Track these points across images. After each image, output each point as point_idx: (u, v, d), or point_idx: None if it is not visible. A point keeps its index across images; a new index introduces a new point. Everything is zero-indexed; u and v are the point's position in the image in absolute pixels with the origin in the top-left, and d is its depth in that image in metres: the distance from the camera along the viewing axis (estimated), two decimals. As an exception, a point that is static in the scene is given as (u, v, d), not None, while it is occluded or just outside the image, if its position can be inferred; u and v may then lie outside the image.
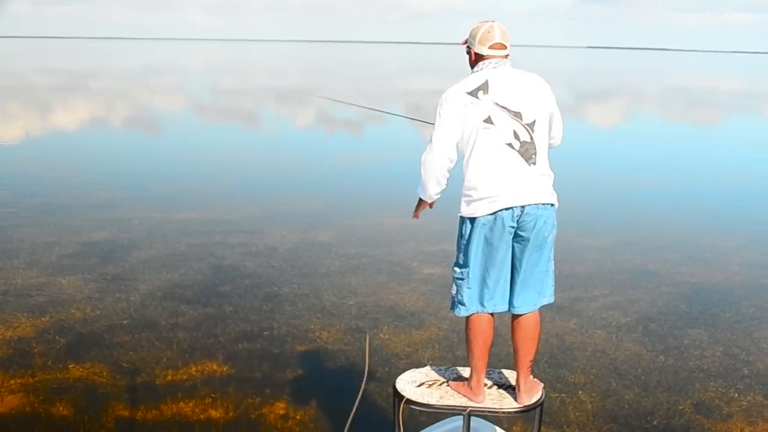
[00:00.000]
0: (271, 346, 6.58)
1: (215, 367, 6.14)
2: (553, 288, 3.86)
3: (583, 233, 10.41)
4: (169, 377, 5.94)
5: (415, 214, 4.10)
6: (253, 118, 29.03)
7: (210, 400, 5.57)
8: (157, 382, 5.86)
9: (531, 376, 3.83)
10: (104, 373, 5.97)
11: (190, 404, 5.50)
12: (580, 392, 5.78)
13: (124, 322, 7.05)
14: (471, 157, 3.65)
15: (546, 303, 3.84)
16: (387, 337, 6.78)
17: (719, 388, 5.91)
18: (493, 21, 3.81)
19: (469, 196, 3.66)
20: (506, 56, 3.77)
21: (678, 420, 5.44)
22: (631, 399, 5.70)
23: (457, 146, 3.71)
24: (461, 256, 3.76)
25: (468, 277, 3.72)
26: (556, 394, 5.71)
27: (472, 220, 3.66)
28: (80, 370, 6.03)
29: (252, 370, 6.10)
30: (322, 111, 31.91)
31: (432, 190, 3.85)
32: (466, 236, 3.70)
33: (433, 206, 4.04)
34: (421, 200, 4.00)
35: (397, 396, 3.83)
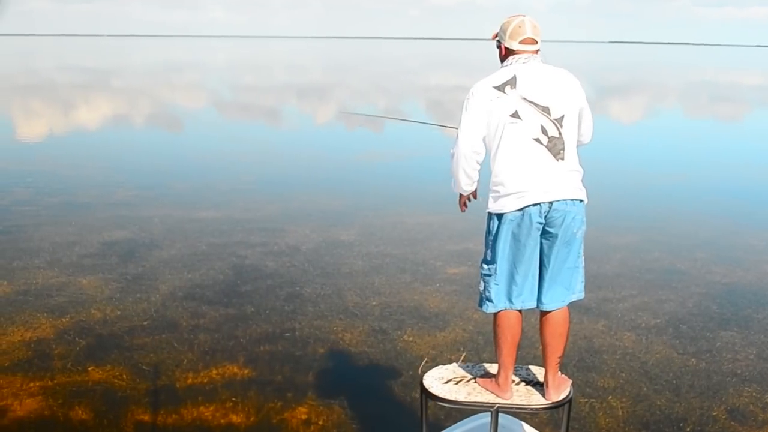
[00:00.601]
0: (293, 348, 6.46)
1: (236, 369, 6.03)
2: (582, 284, 3.78)
3: (609, 231, 10.22)
4: (190, 380, 5.85)
5: (462, 208, 4.02)
6: (273, 115, 28.96)
7: (231, 404, 5.47)
8: (178, 386, 5.76)
9: (559, 373, 3.77)
10: (124, 376, 5.89)
11: (211, 408, 5.41)
12: (610, 397, 5.62)
13: (145, 323, 6.96)
14: (498, 153, 3.59)
15: (575, 299, 3.77)
16: (411, 339, 6.65)
17: (754, 393, 5.73)
18: (524, 15, 3.75)
19: (497, 191, 3.59)
20: (537, 51, 3.71)
21: (711, 427, 5.28)
22: (662, 404, 5.54)
23: (484, 141, 3.65)
24: (489, 252, 3.70)
25: (496, 273, 3.66)
26: (586, 399, 5.56)
27: (500, 216, 3.60)
28: (100, 372, 5.95)
29: (273, 373, 5.99)
30: (342, 108, 31.83)
31: (463, 183, 3.77)
32: (494, 232, 3.64)
33: (476, 196, 3.91)
34: (461, 194, 3.93)
35: (424, 393, 3.79)
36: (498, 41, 3.77)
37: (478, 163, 3.70)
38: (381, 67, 75.57)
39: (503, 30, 3.73)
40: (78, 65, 73.44)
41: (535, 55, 3.69)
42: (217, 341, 6.57)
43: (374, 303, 7.52)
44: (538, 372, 3.93)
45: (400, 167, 16.14)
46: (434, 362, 5.83)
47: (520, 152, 3.55)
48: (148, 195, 12.61)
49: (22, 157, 17.02)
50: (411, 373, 5.91)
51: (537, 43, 3.70)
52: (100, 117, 26.89)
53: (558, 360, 3.73)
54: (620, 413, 5.40)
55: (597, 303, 7.57)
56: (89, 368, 6.02)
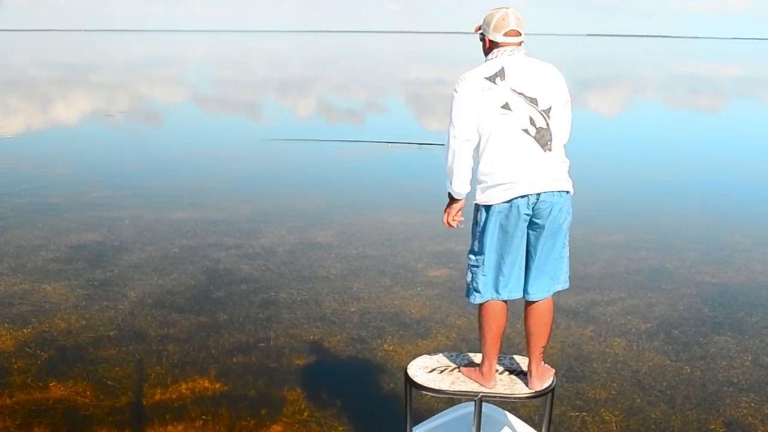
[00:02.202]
0: (267, 359, 6.12)
1: (207, 384, 5.68)
2: (567, 274, 3.81)
3: (595, 230, 9.95)
4: (157, 396, 5.49)
5: (448, 219, 3.87)
6: (251, 111, 28.47)
7: (201, 422, 5.12)
8: (144, 402, 5.41)
9: (543, 362, 3.82)
10: (87, 393, 5.52)
11: (179, 428, 5.05)
12: (602, 410, 5.32)
13: (111, 333, 6.60)
14: (488, 144, 3.58)
15: (560, 289, 3.79)
16: (391, 348, 6.32)
17: (752, 404, 5.46)
18: (507, 7, 3.73)
19: (484, 182, 3.59)
20: (520, 43, 3.71)
21: (710, 441, 5.00)
22: (657, 417, 5.25)
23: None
24: (476, 243, 3.71)
25: (483, 264, 3.68)
26: (577, 413, 5.27)
27: (488, 207, 3.61)
28: (62, 389, 5.58)
29: (246, 387, 5.65)
30: (321, 102, 31.49)
31: (459, 178, 3.70)
32: (482, 224, 3.65)
33: (464, 204, 3.84)
34: (451, 200, 3.84)
35: (409, 382, 3.82)
36: (482, 34, 3.76)
37: (471, 155, 3.66)
38: (360, 62, 75.13)
39: (486, 22, 3.73)
40: (54, 61, 72.51)
41: (519, 47, 3.69)
42: (187, 353, 6.21)
43: (353, 309, 7.19)
44: (522, 361, 3.97)
45: (381, 163, 15.80)
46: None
47: (509, 143, 3.54)
48: (120, 195, 12.17)
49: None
50: (392, 386, 5.60)
51: (521, 35, 3.70)
52: (73, 113, 26.35)
53: (542, 349, 3.78)
54: (614, 428, 5.10)
55: (585, 306, 7.28)
56: (50, 384, 5.65)
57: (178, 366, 5.97)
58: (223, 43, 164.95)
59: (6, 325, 6.74)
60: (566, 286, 3.81)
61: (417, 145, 12.54)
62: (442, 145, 3.84)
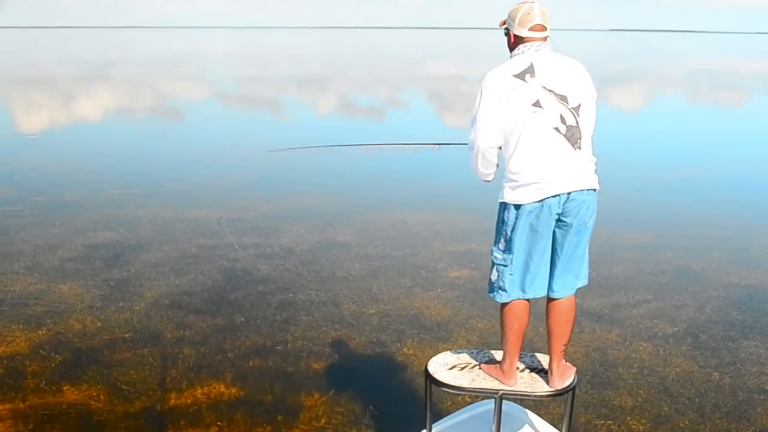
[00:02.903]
0: (285, 363, 6.00)
1: (223, 388, 5.57)
2: (588, 270, 3.79)
3: (619, 229, 9.75)
4: (172, 401, 5.38)
5: None
6: (271, 108, 28.39)
7: (216, 428, 5.02)
8: (159, 408, 5.30)
9: (564, 360, 3.77)
10: (101, 397, 5.42)
11: (194, 435, 4.94)
12: (629, 418, 5.15)
13: (126, 335, 6.50)
14: (518, 143, 3.51)
15: (581, 285, 3.77)
16: (411, 352, 6.18)
17: (785, 413, 5.27)
18: (532, 1, 3.66)
19: (515, 181, 3.53)
20: (546, 38, 3.65)
21: (741, 452, 4.82)
22: (686, 426, 5.07)
23: (502, 131, 3.58)
24: (503, 242, 3.64)
25: (511, 263, 3.63)
26: (602, 421, 5.10)
27: (518, 206, 3.54)
28: (75, 393, 5.49)
29: (263, 392, 5.53)
30: (342, 98, 31.37)
31: (482, 175, 3.74)
32: (511, 223, 3.58)
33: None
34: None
35: (429, 378, 3.80)
36: (506, 29, 3.70)
37: (497, 155, 3.65)
38: (380, 58, 74.95)
39: (511, 17, 3.66)
40: (76, 58, 72.84)
41: (544, 42, 3.63)
42: (203, 356, 6.10)
43: (372, 311, 7.06)
44: (543, 359, 3.93)
45: (401, 161, 15.62)
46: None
47: (540, 142, 3.49)
48: (138, 193, 12.11)
49: (10, 153, 16.46)
50: (412, 391, 5.46)
51: (546, 29, 3.63)
52: (94, 110, 26.38)
53: (563, 347, 3.73)
54: (641, 437, 4.94)
55: (609, 309, 7.11)
56: (64, 388, 5.55)
57: (193, 370, 5.86)
58: (244, 39, 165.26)
59: (21, 326, 6.66)
60: (586, 282, 3.79)
61: (436, 146, 12.38)
62: (465, 144, 3.72)
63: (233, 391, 5.54)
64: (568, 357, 3.84)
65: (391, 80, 42.64)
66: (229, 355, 6.13)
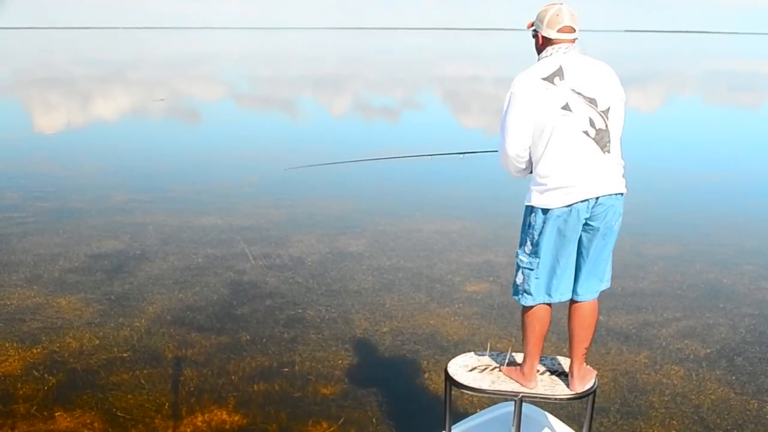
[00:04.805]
0: (291, 387, 5.62)
1: (225, 416, 5.21)
2: (611, 273, 3.76)
3: (644, 240, 9.33)
4: (170, 430, 5.03)
5: None
6: (284, 111, 28.01)
7: (216, 462, 4.64)
8: (156, 438, 4.94)
9: (585, 363, 3.73)
10: (95, 425, 5.08)
11: (192, 469, 4.58)
12: (663, 454, 4.75)
13: (125, 354, 6.15)
14: (548, 146, 3.46)
15: (604, 288, 3.74)
16: (427, 376, 5.80)
17: (832, 448, 4.85)
18: (561, 3, 3.61)
19: (543, 185, 3.48)
20: (574, 40, 3.59)
21: (787, 494, 4.40)
22: (725, 463, 4.66)
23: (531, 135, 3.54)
24: (530, 245, 3.59)
25: (538, 267, 3.58)
26: (634, 457, 4.70)
27: (545, 210, 3.49)
28: (68, 419, 5.15)
29: (267, 420, 5.17)
30: (356, 100, 31.01)
31: (513, 176, 3.72)
32: (538, 227, 3.53)
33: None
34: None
35: (449, 380, 3.78)
36: (534, 30, 3.64)
37: (527, 159, 3.58)
38: (399, 60, 74.52)
39: (540, 18, 3.60)
40: (92, 58, 72.81)
41: (573, 44, 3.58)
42: (205, 379, 5.74)
43: (385, 329, 6.67)
44: (564, 362, 3.90)
45: (416, 167, 15.12)
46: (454, 404, 4.99)
47: (569, 145, 3.44)
48: (145, 198, 11.76)
49: (18, 155, 16.17)
50: (427, 420, 5.07)
51: (575, 31, 3.57)
52: (107, 112, 26.12)
53: (585, 351, 3.71)
54: (677, 477, 4.54)
55: (637, 328, 6.70)
56: (57, 414, 5.21)
57: (194, 394, 5.50)
58: (260, 40, 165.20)
59: (15, 344, 6.33)
60: (609, 285, 3.76)
61: (460, 155, 11.93)
62: (488, 152, 3.43)
63: (236, 418, 5.19)
64: (596, 375, 3.77)
65: (410, 82, 42.23)
66: (233, 377, 5.77)
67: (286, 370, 5.90)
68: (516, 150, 3.52)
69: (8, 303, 7.26)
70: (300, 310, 7.10)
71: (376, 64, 63.87)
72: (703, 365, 6.01)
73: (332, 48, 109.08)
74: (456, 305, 7.24)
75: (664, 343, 6.41)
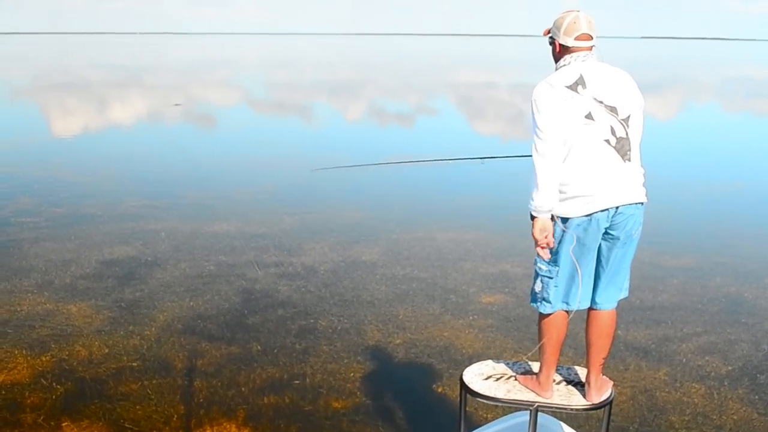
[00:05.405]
0: (302, 400, 5.51)
1: (234, 429, 5.11)
2: (629, 281, 3.74)
3: (663, 251, 9.16)
4: (178, 443, 4.93)
5: (542, 242, 3.50)
6: (300, 116, 27.95)
7: (224, 477, 4.54)
8: (163, 451, 4.84)
9: (602, 374, 3.70)
10: (102, 437, 4.98)
11: (199, 484, 4.47)
12: (684, 476, 4.61)
13: (134, 363, 6.06)
14: (569, 155, 3.43)
15: (623, 297, 3.73)
16: (441, 390, 5.68)
17: None
18: (578, 10, 3.58)
19: (563, 193, 3.45)
20: (591, 48, 3.56)
21: None
22: (749, 487, 4.52)
23: None
24: (549, 254, 3.56)
25: (557, 275, 3.57)
26: (654, 479, 4.56)
27: (564, 219, 3.48)
28: (75, 430, 5.08)
29: (278, 434, 5.05)
30: (371, 106, 30.94)
31: (550, 192, 3.43)
32: (558, 236, 3.51)
33: (555, 219, 3.54)
34: (534, 220, 3.51)
35: (464, 388, 3.76)
36: (551, 37, 3.62)
37: (560, 171, 3.45)
38: (413, 65, 74.47)
39: (557, 26, 3.58)
40: (108, 63, 73.17)
41: (590, 52, 3.55)
42: (214, 390, 5.64)
43: (398, 341, 6.55)
44: (581, 372, 3.87)
45: (431, 174, 15.01)
46: (469, 420, 4.86)
47: (590, 155, 3.43)
48: (158, 205, 11.69)
49: (33, 160, 16.16)
50: (440, 437, 4.96)
51: (592, 38, 3.55)
52: (123, 117, 26.17)
53: (602, 361, 3.68)
54: (698, 501, 4.39)
55: (656, 343, 6.54)
56: (64, 424, 5.13)
57: (203, 406, 5.40)
58: (275, 45, 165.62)
59: (24, 351, 6.26)
60: (627, 294, 3.74)
61: (480, 160, 11.82)
62: (509, 157, 3.33)
63: (245, 432, 5.08)
64: (613, 393, 3.73)
65: (425, 89, 42.13)
66: (243, 389, 5.66)
67: (297, 382, 5.79)
68: (554, 151, 3.41)
69: (19, 309, 7.19)
70: (312, 320, 6.99)
71: (393, 69, 63.82)
72: (725, 383, 5.86)
73: (347, 54, 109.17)
74: (471, 317, 7.11)
75: (684, 360, 6.26)
